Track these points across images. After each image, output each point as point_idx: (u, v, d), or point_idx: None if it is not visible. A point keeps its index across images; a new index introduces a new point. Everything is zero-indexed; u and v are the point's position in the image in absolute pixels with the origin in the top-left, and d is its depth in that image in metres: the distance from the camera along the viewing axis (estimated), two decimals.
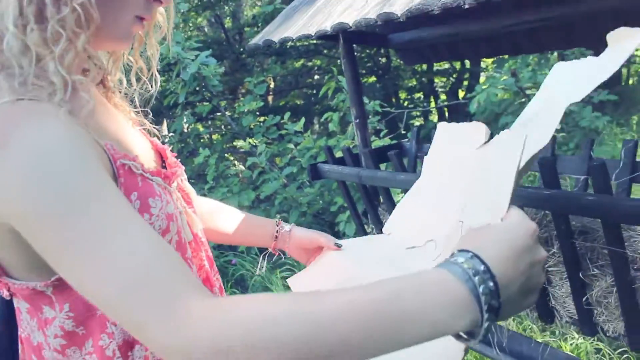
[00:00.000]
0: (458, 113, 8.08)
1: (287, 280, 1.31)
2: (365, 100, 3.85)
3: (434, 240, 1.11)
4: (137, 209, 0.75)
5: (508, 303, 0.61)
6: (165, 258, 0.63)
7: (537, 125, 0.88)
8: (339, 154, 3.39)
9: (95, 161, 0.67)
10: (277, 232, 1.24)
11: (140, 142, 0.91)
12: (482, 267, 0.60)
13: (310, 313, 0.58)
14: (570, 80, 0.89)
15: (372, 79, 9.49)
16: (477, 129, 1.14)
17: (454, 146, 1.21)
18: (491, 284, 0.60)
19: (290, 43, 6.88)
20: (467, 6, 1.45)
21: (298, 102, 9.94)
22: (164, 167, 0.94)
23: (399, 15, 1.61)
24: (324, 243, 1.24)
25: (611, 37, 0.85)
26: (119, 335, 0.78)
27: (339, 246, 1.23)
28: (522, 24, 2.22)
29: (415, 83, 10.14)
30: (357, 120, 2.50)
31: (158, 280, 0.60)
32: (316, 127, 8.87)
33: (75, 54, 0.72)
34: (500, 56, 5.19)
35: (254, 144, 4.21)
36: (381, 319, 0.58)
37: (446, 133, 1.28)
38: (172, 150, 1.02)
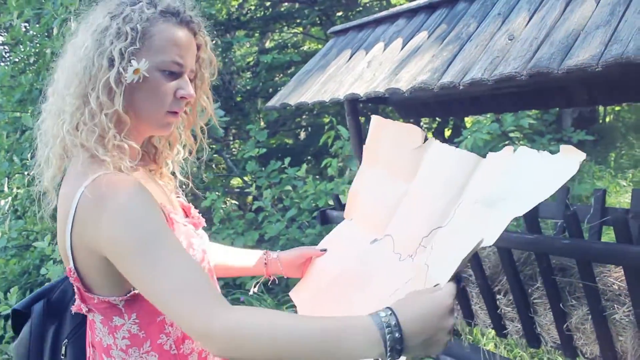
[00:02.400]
0: None
1: (289, 293, 1.55)
2: None
3: (390, 235, 1.30)
4: (186, 246, 1.13)
5: (411, 349, 0.90)
6: (201, 277, 0.96)
7: (496, 216, 0.98)
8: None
9: (159, 212, 1.03)
10: (265, 259, 1.52)
11: (175, 202, 1.29)
12: (394, 322, 0.89)
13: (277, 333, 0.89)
14: (532, 179, 0.98)
15: (361, 119, 9.84)
16: (413, 132, 1.31)
17: (391, 142, 1.38)
18: (397, 335, 0.88)
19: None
20: (461, 87, 1.78)
21: (288, 142, 10.27)
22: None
23: (404, 90, 1.94)
24: (311, 253, 1.50)
25: (564, 148, 0.97)
26: (174, 334, 1.13)
27: (324, 250, 1.49)
28: (506, 88, 2.57)
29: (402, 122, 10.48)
30: None
31: (196, 290, 0.93)
32: (308, 167, 9.16)
33: (113, 145, 1.07)
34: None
35: (249, 182, 4.51)
36: (323, 344, 0.89)
37: (381, 128, 1.45)
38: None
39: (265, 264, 1.51)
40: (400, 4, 3.69)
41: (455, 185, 1.14)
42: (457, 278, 0.96)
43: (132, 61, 1.05)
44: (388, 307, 0.93)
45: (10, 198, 4.36)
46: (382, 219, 1.34)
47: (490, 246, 2.51)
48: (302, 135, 8.87)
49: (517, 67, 1.66)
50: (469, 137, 5.21)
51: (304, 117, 9.66)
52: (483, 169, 1.11)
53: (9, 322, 3.95)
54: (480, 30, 2.03)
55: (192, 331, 0.92)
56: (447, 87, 1.83)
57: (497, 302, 2.25)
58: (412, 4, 2.53)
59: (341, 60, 2.53)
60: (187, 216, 1.30)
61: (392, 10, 2.66)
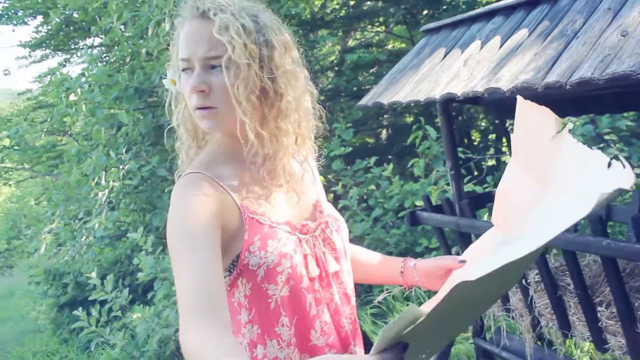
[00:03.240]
0: None
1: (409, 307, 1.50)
2: None
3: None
4: (258, 246, 1.11)
5: None
6: (197, 289, 0.96)
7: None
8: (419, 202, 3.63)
9: (204, 218, 1.05)
10: (402, 268, 1.41)
11: (282, 201, 1.23)
12: None
13: None
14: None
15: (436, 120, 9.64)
16: (548, 118, 1.15)
17: (533, 130, 1.21)
18: None
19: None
20: (568, 87, 1.69)
21: (369, 141, 10.22)
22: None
23: (505, 90, 1.87)
24: (451, 265, 1.35)
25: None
26: (247, 335, 1.15)
27: (463, 262, 1.33)
28: (611, 88, 2.42)
29: (486, 124, 10.22)
30: (452, 172, 2.74)
31: (187, 302, 0.95)
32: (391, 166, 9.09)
33: (189, 146, 1.23)
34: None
35: (333, 181, 4.53)
36: None
37: (526, 111, 1.25)
38: None
39: (402, 272, 1.42)
40: (494, 1, 3.57)
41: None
42: (401, 345, 0.89)
43: (167, 73, 1.19)
44: None
45: (107, 190, 4.59)
46: (521, 224, 1.18)
47: (590, 255, 2.39)
48: (384, 134, 8.81)
49: (632, 65, 1.56)
50: None
51: (385, 116, 9.59)
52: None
53: (105, 307, 4.15)
54: (587, 26, 1.92)
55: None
56: (552, 87, 1.75)
57: (598, 315, 2.13)
58: (510, 1, 2.44)
59: (435, 59, 2.48)
60: (314, 218, 1.27)
61: (488, 7, 2.58)
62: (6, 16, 10.29)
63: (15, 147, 9.89)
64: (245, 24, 1.08)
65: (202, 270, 0.98)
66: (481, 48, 2.31)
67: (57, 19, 8.11)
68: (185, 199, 1.07)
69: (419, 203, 3.98)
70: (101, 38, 8.76)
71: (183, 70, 1.11)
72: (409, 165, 4.64)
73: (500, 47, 2.21)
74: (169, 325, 3.85)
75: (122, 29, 5.86)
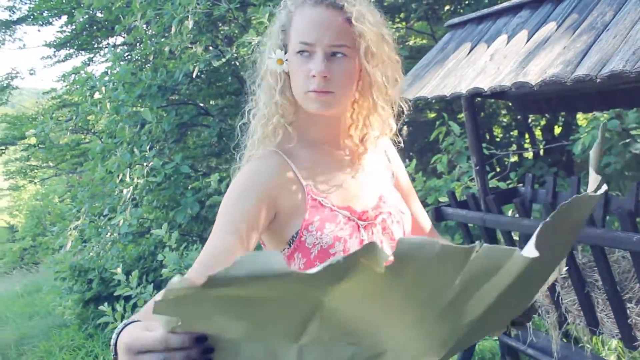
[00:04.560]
0: (554, 152, 8.02)
1: None
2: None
3: None
4: (317, 226, 1.15)
5: None
6: (208, 260, 1.02)
7: None
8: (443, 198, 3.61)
9: (252, 198, 1.13)
10: None
11: (349, 187, 1.26)
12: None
13: None
14: None
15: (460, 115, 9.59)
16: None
17: None
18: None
19: None
20: (598, 80, 1.67)
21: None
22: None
23: (534, 84, 1.85)
24: None
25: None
26: None
27: None
28: (631, 83, 2.39)
29: (509, 119, 10.12)
30: (477, 168, 2.72)
31: (195, 266, 1.01)
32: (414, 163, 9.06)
33: (274, 126, 1.23)
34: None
35: None
36: None
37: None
38: None
39: None
40: None
41: None
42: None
43: (272, 53, 1.20)
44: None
45: (131, 187, 4.64)
46: None
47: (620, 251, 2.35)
48: (405, 131, 8.78)
49: None
50: (585, 134, 4.92)
51: (406, 112, 9.53)
52: None
53: (130, 302, 4.17)
54: (618, 18, 1.89)
55: None
56: (582, 81, 1.73)
57: (628, 311, 2.10)
58: None
59: (461, 54, 2.47)
60: (377, 207, 1.28)
61: (514, 1, 2.55)
62: (32, 17, 10.46)
63: (41, 146, 10.05)
64: (375, 16, 1.17)
65: (219, 252, 1.05)
66: (508, 42, 2.29)
67: (81, 19, 8.20)
68: (247, 173, 1.18)
69: (442, 199, 3.95)
70: (124, 37, 8.85)
71: (299, 52, 1.15)
72: (432, 161, 4.61)
73: (527, 41, 2.19)
74: None
75: (145, 28, 5.92)
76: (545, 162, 6.67)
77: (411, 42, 8.72)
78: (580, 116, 8.46)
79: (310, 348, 0.72)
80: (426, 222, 1.49)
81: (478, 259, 0.65)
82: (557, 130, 9.31)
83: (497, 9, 2.59)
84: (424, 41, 8.80)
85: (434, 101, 2.66)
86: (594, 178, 0.86)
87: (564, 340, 2.50)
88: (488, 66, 2.17)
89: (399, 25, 8.49)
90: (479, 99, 3.39)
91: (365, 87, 1.21)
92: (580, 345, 2.47)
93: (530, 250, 0.65)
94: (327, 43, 1.13)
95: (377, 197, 1.29)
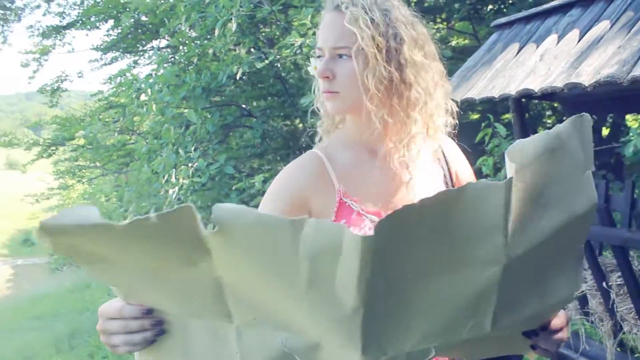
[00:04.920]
0: (602, 155, 7.81)
1: None
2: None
3: None
4: None
5: None
6: None
7: None
8: None
9: (282, 200, 1.20)
10: None
11: (385, 191, 1.25)
12: None
13: None
14: None
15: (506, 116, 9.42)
16: None
17: None
18: None
19: None
20: None
21: None
22: None
23: (587, 85, 1.80)
24: None
25: None
26: None
27: None
28: None
29: (554, 121, 9.90)
30: None
31: None
32: None
33: (327, 125, 1.30)
34: None
35: None
36: None
37: None
38: None
39: None
40: None
41: None
42: None
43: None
44: None
45: (176, 188, 4.72)
46: None
47: None
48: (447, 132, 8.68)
49: None
50: (637, 136, 4.76)
51: (455, 113, 9.40)
52: None
53: None
54: None
55: None
56: None
57: None
58: None
59: (509, 55, 2.42)
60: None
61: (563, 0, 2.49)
62: (80, 22, 10.77)
63: (89, 146, 10.35)
64: (374, 17, 1.15)
65: None
66: (558, 42, 2.24)
67: (128, 22, 8.40)
68: (282, 175, 1.24)
69: None
70: (167, 40, 9.03)
71: (317, 57, 1.21)
72: (477, 163, 4.54)
73: (579, 40, 2.14)
74: None
75: (189, 30, 6.02)
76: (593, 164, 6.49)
77: (453, 43, 8.61)
78: (629, 117, 8.20)
79: (246, 331, 0.80)
80: None
81: (310, 234, 0.66)
82: (605, 131, 9.06)
83: (546, 8, 2.53)
84: (466, 41, 8.67)
85: (477, 102, 2.61)
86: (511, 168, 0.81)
87: (619, 350, 2.43)
88: (538, 67, 2.13)
89: (440, 25, 8.40)
90: (524, 100, 3.31)
91: (393, 88, 1.20)
92: (636, 355, 2.39)
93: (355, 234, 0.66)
94: (331, 46, 1.17)
95: (413, 201, 1.27)
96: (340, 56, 1.17)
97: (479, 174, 4.92)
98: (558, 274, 0.91)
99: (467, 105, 7.94)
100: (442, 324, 0.85)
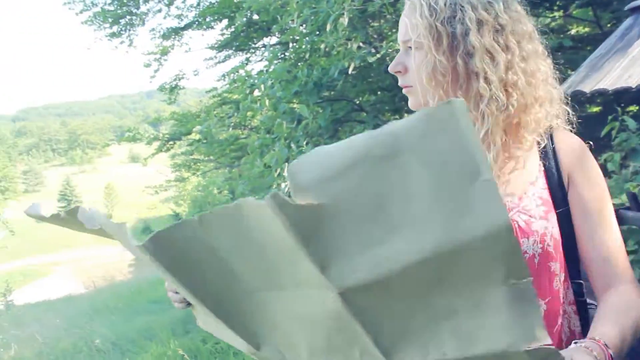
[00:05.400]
0: None
1: None
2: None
3: None
4: None
5: None
6: None
7: None
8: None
9: None
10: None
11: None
12: None
13: None
14: None
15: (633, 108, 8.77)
16: None
17: None
18: None
19: None
20: None
21: None
22: None
23: None
24: None
25: None
26: None
27: None
28: None
29: None
30: None
31: None
32: None
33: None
34: None
35: None
36: None
37: None
38: None
39: None
40: None
41: None
42: None
43: None
44: None
45: (289, 182, 4.83)
46: None
47: None
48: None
49: None
50: None
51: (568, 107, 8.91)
52: None
53: None
54: None
55: None
56: None
57: None
58: None
59: None
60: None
61: None
62: (197, 22, 11.35)
63: (203, 141, 10.87)
64: (436, 4, 1.06)
65: None
66: None
67: (241, 21, 8.73)
68: None
69: (615, 201, 3.64)
70: (278, 37, 9.27)
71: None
72: (601, 159, 4.26)
73: None
74: None
75: (301, 27, 6.14)
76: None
77: (573, 31, 8.14)
78: None
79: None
80: (611, 260, 1.09)
81: None
82: None
83: None
84: (587, 29, 8.17)
85: (610, 93, 2.45)
86: None
87: None
88: None
89: (556, 14, 7.96)
90: None
91: (460, 79, 1.09)
92: None
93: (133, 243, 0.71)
94: (401, 39, 1.14)
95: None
96: (410, 48, 1.11)
97: (603, 170, 4.61)
98: (475, 315, 0.74)
99: (587, 98, 7.48)
100: (321, 342, 0.81)
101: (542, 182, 1.12)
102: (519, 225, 1.09)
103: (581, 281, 1.13)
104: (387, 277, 0.70)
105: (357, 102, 5.90)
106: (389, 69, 1.16)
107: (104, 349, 6.95)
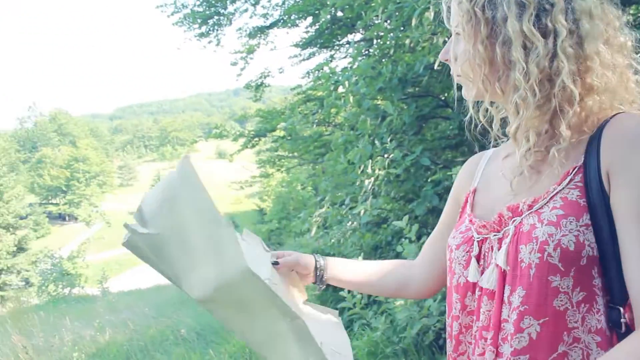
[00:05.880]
0: None
1: None
2: None
3: None
4: (452, 231, 1.17)
5: None
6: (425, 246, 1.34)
7: None
8: None
9: (450, 195, 1.29)
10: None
11: (500, 194, 1.08)
12: None
13: None
14: None
15: None
16: None
17: None
18: None
19: None
20: None
21: None
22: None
23: None
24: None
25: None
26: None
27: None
28: None
29: None
30: None
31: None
32: None
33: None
34: None
35: None
36: None
37: None
38: None
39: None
40: None
41: None
42: None
43: None
44: None
45: (372, 179, 4.80)
46: None
47: None
48: None
49: None
50: None
51: None
52: None
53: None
54: None
55: None
56: None
57: None
58: None
59: None
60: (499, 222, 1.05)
61: None
62: (282, 21, 11.52)
63: (288, 138, 11.04)
64: None
65: (427, 243, 1.33)
66: None
67: (325, 18, 8.77)
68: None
69: None
70: (362, 33, 9.22)
71: None
72: None
73: None
74: (430, 315, 3.86)
75: (386, 22, 6.06)
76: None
77: None
78: None
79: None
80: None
81: None
82: None
83: None
84: None
85: None
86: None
87: None
88: None
89: None
90: None
91: (500, 69, 1.01)
92: None
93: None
94: (453, 27, 1.07)
95: (509, 210, 1.03)
96: (458, 35, 1.05)
97: None
98: (281, 341, 0.98)
99: None
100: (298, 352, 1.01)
101: (576, 180, 0.95)
102: (522, 230, 0.96)
103: (619, 307, 0.91)
104: (214, 293, 0.91)
105: (443, 98, 5.73)
106: (439, 56, 1.11)
107: (189, 339, 7.22)
